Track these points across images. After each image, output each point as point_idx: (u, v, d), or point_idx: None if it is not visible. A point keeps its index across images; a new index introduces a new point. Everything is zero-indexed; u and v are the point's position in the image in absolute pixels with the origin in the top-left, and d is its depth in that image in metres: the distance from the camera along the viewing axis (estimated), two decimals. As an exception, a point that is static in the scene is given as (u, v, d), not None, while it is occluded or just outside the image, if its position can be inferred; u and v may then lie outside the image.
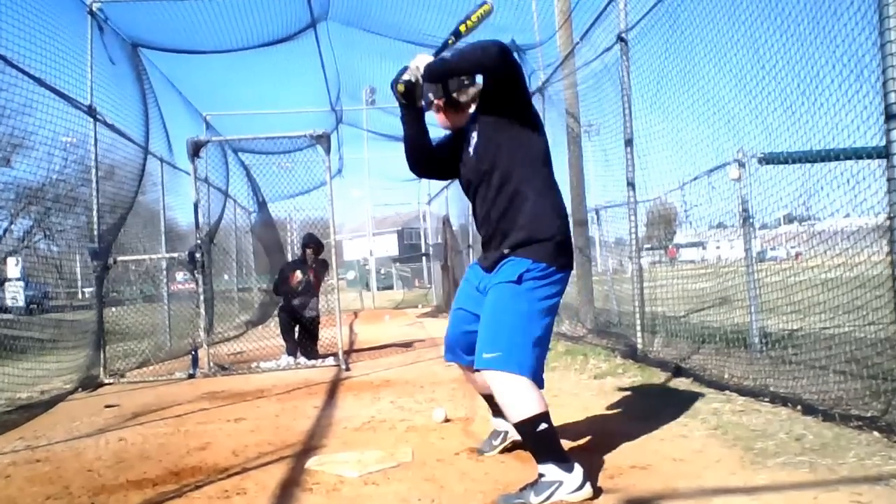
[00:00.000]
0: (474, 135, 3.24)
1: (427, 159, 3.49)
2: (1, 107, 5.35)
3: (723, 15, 5.03)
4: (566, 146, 8.86)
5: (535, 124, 3.21)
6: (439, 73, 3.17)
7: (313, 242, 9.20)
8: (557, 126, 9.05)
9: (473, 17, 3.19)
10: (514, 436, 3.54)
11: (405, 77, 3.14)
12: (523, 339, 2.99)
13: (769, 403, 4.28)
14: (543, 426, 2.94)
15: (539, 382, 3.05)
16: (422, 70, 3.13)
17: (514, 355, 2.97)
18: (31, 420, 5.42)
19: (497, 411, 3.59)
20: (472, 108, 3.33)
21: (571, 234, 3.29)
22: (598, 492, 2.98)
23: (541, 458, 2.97)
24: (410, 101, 3.22)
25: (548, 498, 2.87)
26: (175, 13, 8.22)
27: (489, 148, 3.17)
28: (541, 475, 2.93)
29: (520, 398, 2.96)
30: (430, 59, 3.14)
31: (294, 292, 8.87)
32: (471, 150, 3.26)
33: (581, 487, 2.89)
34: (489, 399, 3.61)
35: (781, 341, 5.54)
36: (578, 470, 2.92)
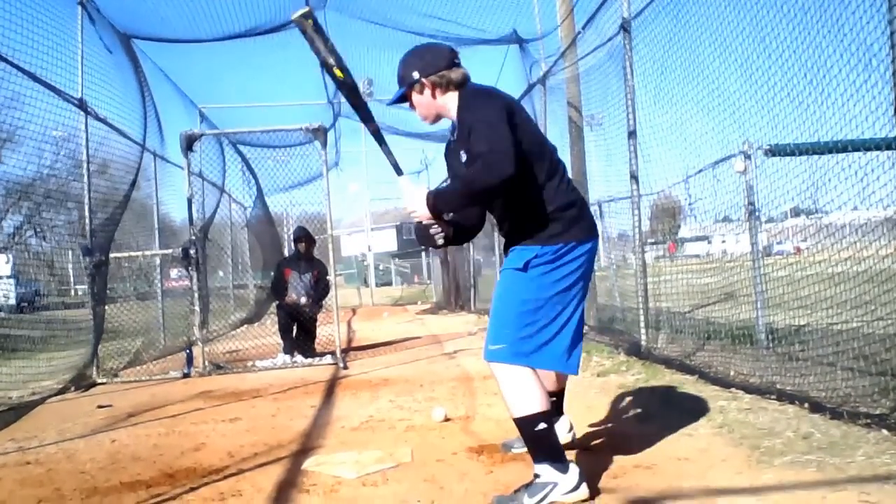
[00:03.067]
0: (463, 153, 3.09)
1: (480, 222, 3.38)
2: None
3: (728, 2, 4.95)
4: (568, 138, 8.77)
5: (520, 138, 2.97)
6: (452, 208, 2.99)
7: (305, 236, 9.11)
8: (559, 118, 8.98)
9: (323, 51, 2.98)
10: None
11: (438, 237, 3.02)
12: (531, 329, 2.93)
13: (776, 401, 4.22)
14: (542, 426, 2.90)
15: (567, 367, 3.05)
16: (428, 216, 2.93)
17: (521, 347, 2.92)
18: (23, 421, 5.36)
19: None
20: (451, 101, 3.10)
21: (582, 203, 3.14)
22: (594, 492, 2.94)
23: (537, 458, 2.93)
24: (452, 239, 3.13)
25: (542, 499, 2.84)
26: (167, 2, 8.12)
27: None
28: (536, 476, 2.90)
29: (522, 394, 2.91)
30: (424, 201, 2.89)
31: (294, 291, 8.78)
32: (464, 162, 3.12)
33: (576, 488, 2.86)
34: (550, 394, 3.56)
35: (788, 337, 5.47)
36: (574, 470, 2.88)
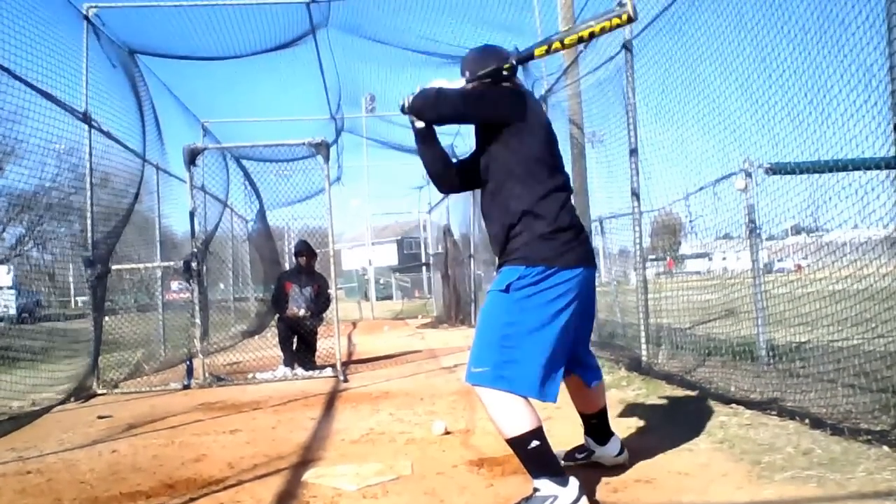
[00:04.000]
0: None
1: (450, 173, 3.36)
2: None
3: (728, 23, 4.99)
4: (569, 155, 8.81)
5: (519, 136, 3.06)
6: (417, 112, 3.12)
7: (306, 250, 9.12)
8: (561, 135, 8.99)
9: (603, 25, 3.01)
10: (599, 458, 3.55)
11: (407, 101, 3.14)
12: (513, 353, 2.89)
13: (777, 417, 4.21)
14: (535, 443, 2.87)
15: (544, 395, 2.94)
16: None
17: (503, 371, 2.89)
18: (23, 430, 5.35)
19: (588, 429, 3.56)
20: None
21: (580, 231, 3.10)
22: None
23: (535, 473, 2.91)
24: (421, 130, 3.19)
25: None
26: (173, 19, 8.18)
27: (485, 161, 3.13)
28: (535, 489, 2.89)
29: (509, 415, 2.88)
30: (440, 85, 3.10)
31: (295, 303, 8.79)
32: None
33: (576, 501, 2.85)
34: (583, 416, 3.57)
35: (789, 354, 5.48)
36: (574, 483, 2.87)
